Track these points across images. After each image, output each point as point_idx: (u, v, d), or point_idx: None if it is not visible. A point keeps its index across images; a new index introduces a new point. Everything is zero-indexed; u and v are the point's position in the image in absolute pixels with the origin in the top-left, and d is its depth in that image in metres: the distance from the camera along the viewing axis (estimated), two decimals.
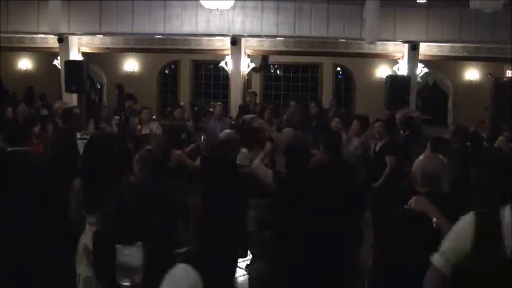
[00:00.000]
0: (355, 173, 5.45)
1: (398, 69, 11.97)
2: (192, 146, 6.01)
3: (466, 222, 2.50)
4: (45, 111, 12.26)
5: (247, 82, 12.98)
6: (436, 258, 2.53)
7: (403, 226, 2.95)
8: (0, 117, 8.09)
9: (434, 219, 2.83)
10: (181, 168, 5.02)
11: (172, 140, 5.24)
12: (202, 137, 6.57)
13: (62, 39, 11.53)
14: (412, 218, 2.89)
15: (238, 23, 11.00)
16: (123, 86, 13.88)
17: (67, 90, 10.88)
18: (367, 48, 11.62)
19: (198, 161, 5.38)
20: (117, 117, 9.14)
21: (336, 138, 4.77)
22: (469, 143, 6.29)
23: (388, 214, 3.13)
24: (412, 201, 2.95)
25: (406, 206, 2.97)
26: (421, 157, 3.17)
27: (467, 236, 2.44)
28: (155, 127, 8.10)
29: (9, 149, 3.92)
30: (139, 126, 8.04)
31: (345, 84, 15.87)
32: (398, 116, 6.85)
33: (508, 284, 2.36)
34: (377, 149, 6.72)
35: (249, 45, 11.99)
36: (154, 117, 11.82)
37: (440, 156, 3.20)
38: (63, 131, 6.19)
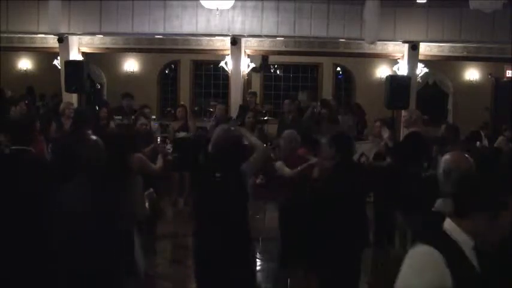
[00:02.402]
0: (366, 173, 5.50)
1: (398, 69, 11.95)
2: (149, 147, 5.92)
3: (426, 257, 2.04)
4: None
5: (247, 82, 12.97)
6: None
7: None
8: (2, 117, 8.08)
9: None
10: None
11: (129, 145, 4.94)
12: (166, 141, 6.53)
13: (62, 39, 11.51)
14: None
15: (238, 23, 10.99)
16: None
17: (67, 90, 10.86)
18: (367, 48, 11.60)
19: (159, 163, 5.37)
20: (118, 117, 9.11)
21: (347, 139, 4.80)
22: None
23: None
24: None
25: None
26: (447, 155, 3.25)
27: (438, 273, 1.99)
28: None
29: (11, 148, 3.86)
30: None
31: (345, 84, 15.88)
32: (404, 114, 6.81)
33: None
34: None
35: (249, 45, 11.97)
36: (153, 117, 11.87)
37: (467, 155, 3.28)
38: (70, 132, 6.16)
